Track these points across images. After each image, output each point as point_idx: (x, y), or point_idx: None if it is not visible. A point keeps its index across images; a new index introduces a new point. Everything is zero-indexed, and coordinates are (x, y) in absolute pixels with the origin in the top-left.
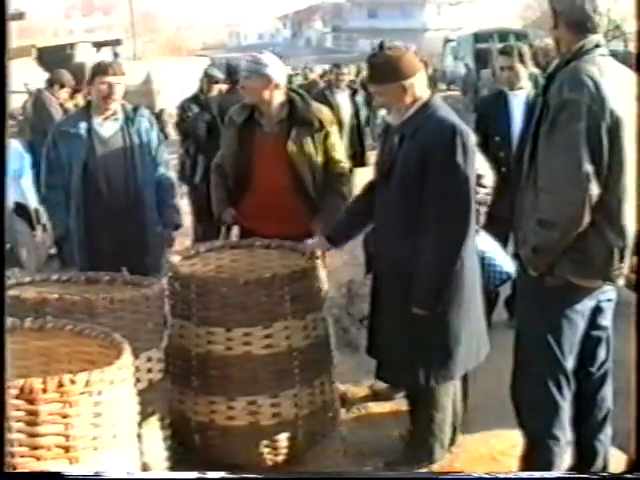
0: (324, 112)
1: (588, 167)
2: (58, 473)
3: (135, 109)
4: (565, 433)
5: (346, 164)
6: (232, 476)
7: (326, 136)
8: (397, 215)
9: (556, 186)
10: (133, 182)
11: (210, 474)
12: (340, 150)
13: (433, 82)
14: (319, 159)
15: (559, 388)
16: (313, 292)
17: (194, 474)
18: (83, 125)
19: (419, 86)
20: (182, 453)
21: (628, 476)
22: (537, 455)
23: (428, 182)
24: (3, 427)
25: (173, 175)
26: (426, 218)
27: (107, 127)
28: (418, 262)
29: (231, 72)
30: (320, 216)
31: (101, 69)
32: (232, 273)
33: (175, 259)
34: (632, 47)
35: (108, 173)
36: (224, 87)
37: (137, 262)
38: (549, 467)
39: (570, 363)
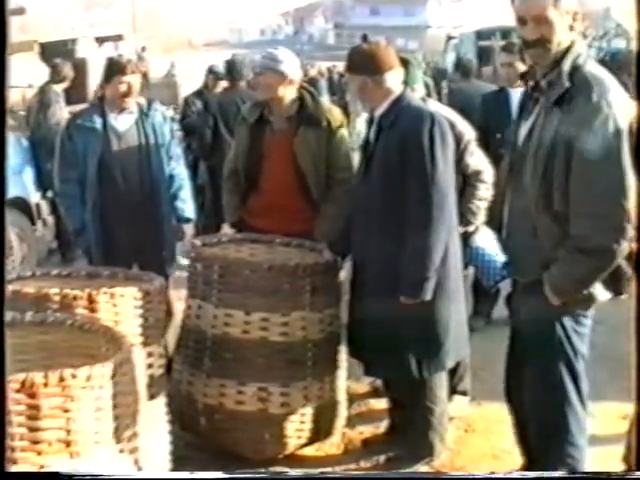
0: (334, 113)
1: (632, 176)
2: (57, 473)
3: (149, 103)
4: (586, 435)
5: (350, 171)
6: (226, 476)
7: (332, 138)
8: (379, 206)
9: (599, 208)
10: (148, 176)
11: (202, 474)
12: (345, 155)
13: (435, 79)
14: (324, 160)
15: (580, 395)
16: (333, 288)
17: (185, 474)
18: (98, 119)
19: (392, 81)
20: (182, 448)
21: (629, 476)
22: (561, 463)
23: (409, 170)
24: (4, 424)
25: (184, 170)
26: (409, 207)
27: (122, 121)
28: (403, 251)
29: (232, 69)
30: (317, 222)
31: (120, 68)
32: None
33: (198, 241)
34: (633, 46)
35: (124, 167)
36: (227, 84)
37: (154, 255)
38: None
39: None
